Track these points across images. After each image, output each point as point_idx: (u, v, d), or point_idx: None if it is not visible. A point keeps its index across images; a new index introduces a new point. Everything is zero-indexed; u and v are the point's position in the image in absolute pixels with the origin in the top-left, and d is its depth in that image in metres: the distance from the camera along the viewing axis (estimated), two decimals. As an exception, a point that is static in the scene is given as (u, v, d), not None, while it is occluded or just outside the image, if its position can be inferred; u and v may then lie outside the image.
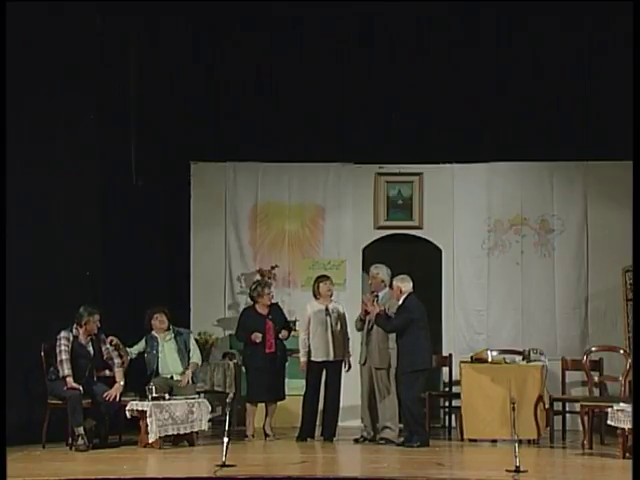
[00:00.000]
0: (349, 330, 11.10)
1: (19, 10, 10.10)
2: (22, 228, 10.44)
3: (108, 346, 10.45)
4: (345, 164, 12.60)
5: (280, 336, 11.02)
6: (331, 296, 11.13)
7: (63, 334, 10.18)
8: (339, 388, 11.02)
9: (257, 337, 10.92)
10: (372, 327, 10.79)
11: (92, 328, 10.25)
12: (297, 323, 11.80)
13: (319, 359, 10.96)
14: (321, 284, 11.08)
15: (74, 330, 10.24)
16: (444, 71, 12.25)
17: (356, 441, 10.85)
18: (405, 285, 10.61)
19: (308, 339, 11.00)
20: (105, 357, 10.43)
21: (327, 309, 11.03)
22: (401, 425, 10.80)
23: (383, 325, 10.61)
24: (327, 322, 10.97)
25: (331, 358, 10.94)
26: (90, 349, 10.33)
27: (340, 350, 10.99)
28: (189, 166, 12.63)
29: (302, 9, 11.97)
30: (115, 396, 10.22)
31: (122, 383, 10.31)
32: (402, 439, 10.60)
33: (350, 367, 11.06)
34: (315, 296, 11.12)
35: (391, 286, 10.79)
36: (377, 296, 10.81)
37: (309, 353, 10.99)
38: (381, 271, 10.94)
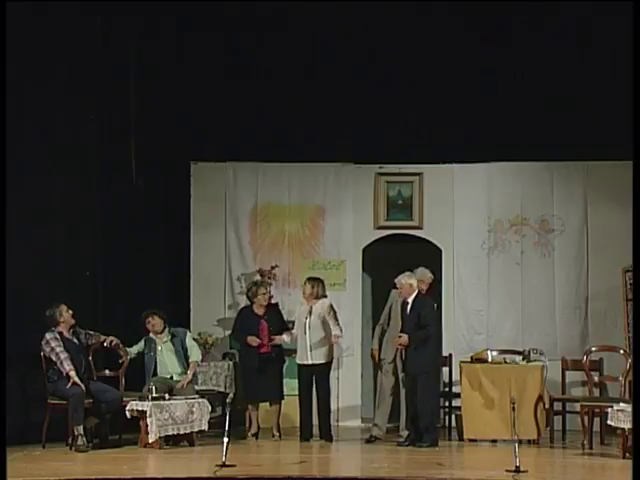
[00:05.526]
0: (337, 330, 10.89)
1: (19, 10, 10.10)
2: (22, 228, 10.44)
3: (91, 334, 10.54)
4: (345, 164, 12.59)
5: (277, 340, 10.94)
6: (315, 297, 10.96)
7: (49, 336, 10.18)
8: (328, 389, 10.93)
9: (253, 341, 10.91)
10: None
11: (68, 318, 10.25)
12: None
13: (301, 361, 10.88)
14: (304, 286, 11.05)
15: (56, 329, 10.25)
16: (444, 71, 12.24)
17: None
18: (414, 282, 10.59)
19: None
20: (92, 342, 10.49)
21: (310, 310, 10.92)
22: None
23: (421, 339, 10.44)
24: (305, 324, 10.87)
25: (309, 361, 10.81)
26: (75, 341, 10.37)
27: (321, 352, 10.83)
28: (189, 166, 12.63)
29: (302, 8, 11.97)
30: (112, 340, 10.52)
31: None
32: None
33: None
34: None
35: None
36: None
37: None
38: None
